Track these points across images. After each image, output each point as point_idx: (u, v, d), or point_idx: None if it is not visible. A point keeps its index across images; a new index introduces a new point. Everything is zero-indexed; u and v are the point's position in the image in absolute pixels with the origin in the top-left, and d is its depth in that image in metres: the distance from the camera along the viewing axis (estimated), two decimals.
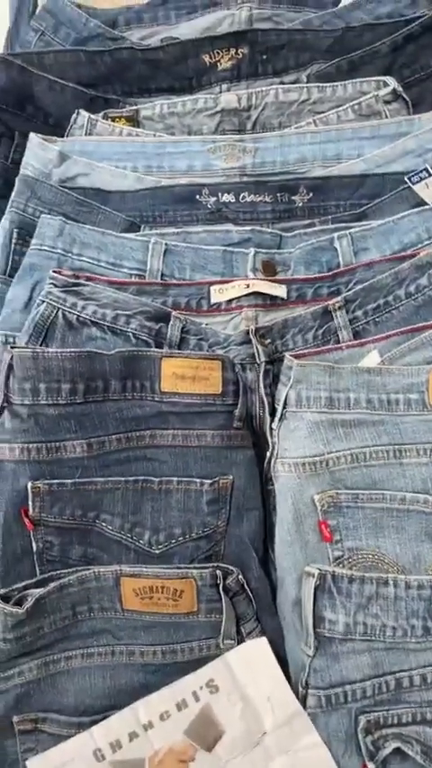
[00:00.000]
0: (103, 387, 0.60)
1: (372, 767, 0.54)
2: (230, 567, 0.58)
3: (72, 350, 0.60)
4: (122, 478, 0.62)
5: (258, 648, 0.57)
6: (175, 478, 0.63)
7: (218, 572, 0.58)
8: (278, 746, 0.55)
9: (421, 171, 0.65)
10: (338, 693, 0.55)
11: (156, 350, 0.64)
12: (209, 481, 0.63)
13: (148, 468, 0.63)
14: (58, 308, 0.64)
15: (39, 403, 0.59)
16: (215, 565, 0.58)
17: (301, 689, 0.56)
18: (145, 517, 0.62)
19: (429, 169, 0.65)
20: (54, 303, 0.64)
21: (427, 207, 0.68)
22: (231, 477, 0.63)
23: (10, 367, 0.60)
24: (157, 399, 0.62)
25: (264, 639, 0.57)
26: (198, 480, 0.63)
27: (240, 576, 0.59)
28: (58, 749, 0.54)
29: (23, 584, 0.57)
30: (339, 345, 0.65)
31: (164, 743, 0.54)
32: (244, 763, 0.55)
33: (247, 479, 0.63)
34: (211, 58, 0.78)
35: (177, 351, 0.65)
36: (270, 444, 0.63)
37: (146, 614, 0.58)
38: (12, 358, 0.59)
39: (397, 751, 0.55)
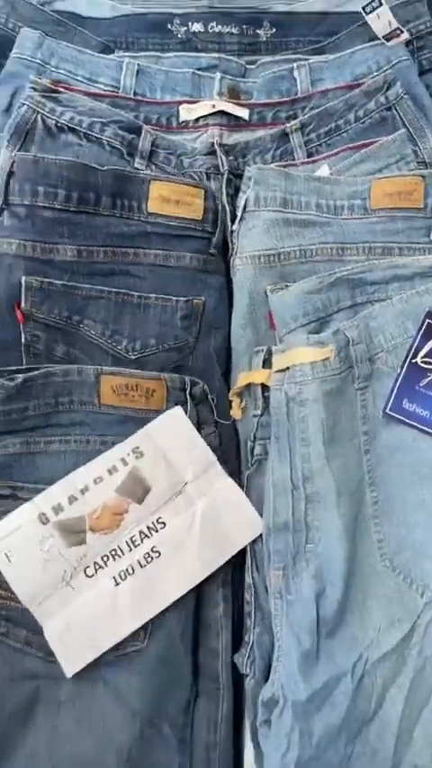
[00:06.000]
0: (94, 199, 0.60)
1: None
2: (197, 379, 0.59)
3: (70, 159, 0.59)
4: (106, 288, 0.62)
5: (175, 417, 0.58)
6: (154, 295, 0.63)
7: (186, 378, 0.58)
8: (198, 491, 0.57)
9: (374, 0, 0.65)
10: None
11: (146, 172, 0.63)
12: (184, 299, 0.63)
13: (130, 283, 0.63)
14: (38, 112, 0.62)
15: (36, 204, 0.59)
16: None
17: (250, 442, 0.58)
18: (124, 326, 0.63)
19: None
20: (34, 107, 0.62)
21: (377, 41, 0.67)
22: (204, 297, 0.64)
23: (11, 171, 0.58)
24: (143, 219, 0.62)
25: (179, 408, 0.57)
26: (174, 298, 0.63)
27: (205, 387, 0.59)
28: (6, 519, 0.54)
29: (15, 368, 0.56)
30: (294, 162, 0.66)
31: (100, 501, 0.56)
32: (170, 509, 0.57)
33: (218, 301, 0.64)
34: None
35: (166, 175, 0.64)
36: (231, 246, 0.63)
37: (120, 409, 0.58)
38: (13, 163, 0.57)
39: None
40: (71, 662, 0.54)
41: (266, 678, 0.54)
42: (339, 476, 0.54)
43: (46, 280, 0.60)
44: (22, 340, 0.60)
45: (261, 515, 0.57)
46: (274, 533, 0.55)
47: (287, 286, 0.61)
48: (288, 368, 0.56)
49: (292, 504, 0.55)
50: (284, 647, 0.53)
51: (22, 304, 0.59)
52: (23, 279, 0.59)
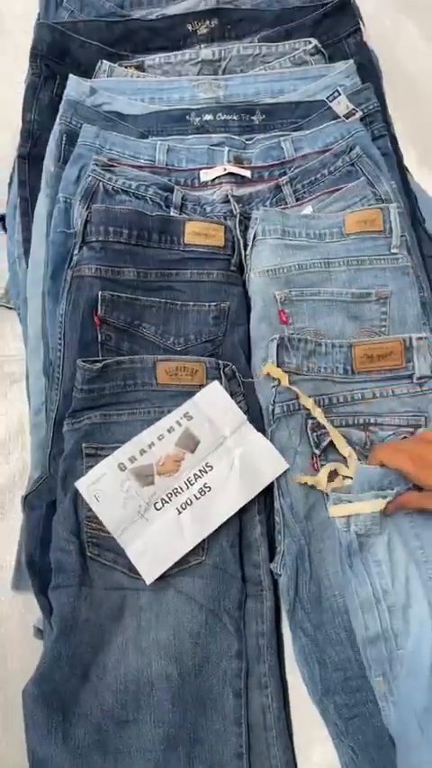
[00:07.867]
0: (147, 236, 0.76)
1: (317, 451, 0.71)
2: (228, 362, 0.73)
3: (130, 207, 0.75)
4: (157, 299, 0.75)
5: (214, 389, 0.71)
6: (191, 302, 0.76)
7: (219, 361, 0.73)
8: (235, 443, 0.70)
9: (334, 92, 0.85)
10: (294, 403, 0.73)
11: (181, 216, 0.79)
12: (214, 304, 0.77)
13: (174, 296, 0.77)
14: (100, 181, 0.80)
15: (108, 240, 0.74)
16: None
17: (270, 405, 0.72)
18: (171, 327, 0.76)
19: (339, 90, 0.85)
20: (97, 177, 0.80)
21: (340, 120, 0.86)
22: (228, 302, 0.77)
23: (87, 220, 0.75)
24: (181, 249, 0.77)
25: (216, 382, 0.71)
26: (207, 304, 0.77)
27: (234, 367, 0.73)
28: (93, 470, 0.67)
29: (94, 359, 0.70)
30: (287, 206, 0.83)
31: (163, 452, 0.68)
32: (215, 456, 0.70)
33: (239, 305, 0.78)
34: (192, 26, 0.96)
35: (196, 216, 0.80)
36: (245, 265, 0.79)
37: (172, 386, 0.71)
38: (89, 214, 0.75)
39: (331, 444, 0.71)
40: (149, 574, 0.65)
41: (296, 574, 0.66)
42: (408, 580, 0.63)
43: (115, 294, 0.74)
44: (99, 339, 0.73)
45: (282, 459, 0.69)
46: (369, 645, 0.62)
47: (290, 292, 0.77)
48: (354, 515, 0.65)
49: (379, 617, 0.62)
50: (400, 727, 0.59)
51: (99, 312, 0.73)
52: (99, 293, 0.73)
